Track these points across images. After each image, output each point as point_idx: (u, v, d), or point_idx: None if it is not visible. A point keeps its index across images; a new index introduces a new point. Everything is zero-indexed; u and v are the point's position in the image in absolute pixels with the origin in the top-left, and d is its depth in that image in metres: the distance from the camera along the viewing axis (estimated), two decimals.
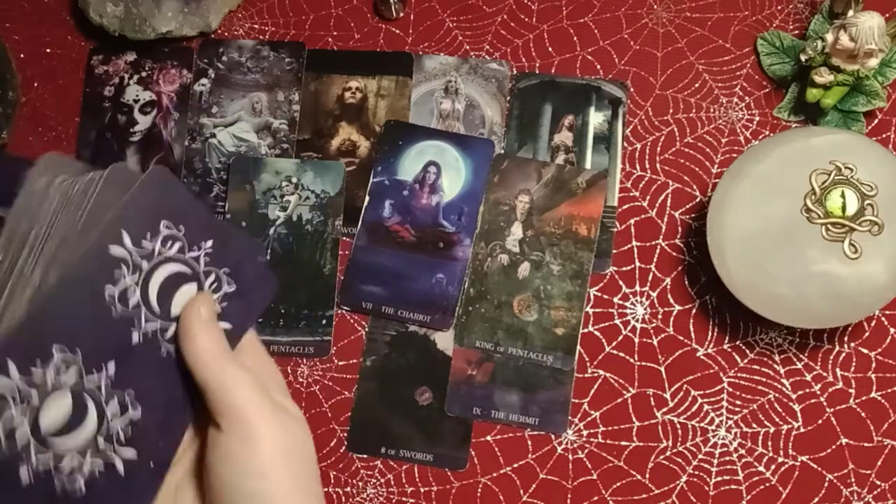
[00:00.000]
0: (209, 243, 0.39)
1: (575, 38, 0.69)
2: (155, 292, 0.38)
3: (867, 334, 0.62)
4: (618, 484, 0.61)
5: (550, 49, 0.69)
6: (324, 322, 0.65)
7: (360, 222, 0.66)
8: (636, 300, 0.64)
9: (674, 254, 0.64)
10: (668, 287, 0.64)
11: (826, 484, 0.60)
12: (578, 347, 0.63)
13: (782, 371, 0.62)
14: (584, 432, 0.62)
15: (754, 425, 0.61)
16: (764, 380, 0.62)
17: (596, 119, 0.67)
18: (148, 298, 0.38)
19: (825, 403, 0.61)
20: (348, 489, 0.63)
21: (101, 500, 0.37)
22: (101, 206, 0.37)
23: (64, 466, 0.36)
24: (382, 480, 0.63)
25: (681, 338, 0.63)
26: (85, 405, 0.36)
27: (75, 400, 0.36)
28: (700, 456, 0.61)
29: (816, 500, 0.60)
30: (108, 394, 0.37)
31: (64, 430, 0.36)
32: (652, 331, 0.63)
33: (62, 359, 0.36)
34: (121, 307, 0.37)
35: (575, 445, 0.62)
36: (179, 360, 0.39)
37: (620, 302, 0.64)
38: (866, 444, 0.60)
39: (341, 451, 0.63)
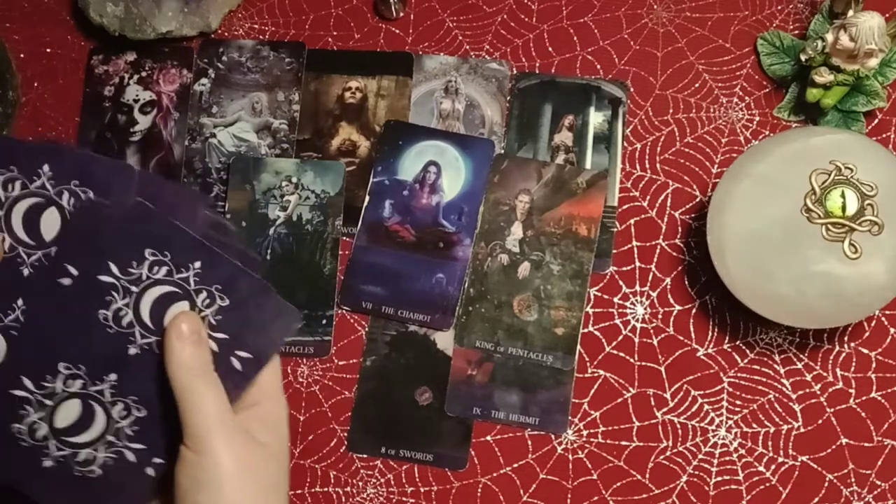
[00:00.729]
0: (197, 264, 0.42)
1: (575, 38, 0.69)
2: (147, 311, 0.42)
3: (867, 334, 0.62)
4: (618, 484, 0.61)
5: (550, 49, 0.69)
6: (324, 322, 0.65)
7: (360, 222, 0.66)
8: (636, 300, 0.64)
9: (674, 254, 0.64)
10: (668, 287, 0.64)
11: (826, 484, 0.60)
12: (578, 347, 0.63)
13: (782, 371, 0.62)
14: (584, 432, 0.62)
15: (754, 425, 0.61)
16: (764, 380, 0.62)
17: (596, 119, 0.67)
18: (140, 317, 0.42)
19: (825, 403, 0.61)
20: (348, 489, 0.63)
21: (115, 481, 0.42)
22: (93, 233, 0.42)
23: (80, 458, 0.42)
24: (382, 480, 0.63)
25: (681, 338, 0.63)
26: (93, 410, 0.42)
27: (84, 405, 0.42)
28: (700, 456, 0.61)
29: (816, 500, 0.60)
30: (112, 399, 0.42)
31: (77, 430, 0.42)
32: (652, 331, 0.63)
33: (69, 374, 0.41)
34: (116, 326, 0.41)
35: (575, 445, 0.62)
36: None
37: (620, 302, 0.64)
38: (866, 444, 0.60)
39: (341, 451, 0.63)
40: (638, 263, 0.64)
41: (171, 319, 0.41)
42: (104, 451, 0.42)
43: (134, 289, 0.41)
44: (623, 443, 0.62)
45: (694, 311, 0.63)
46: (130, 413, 0.42)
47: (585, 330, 0.63)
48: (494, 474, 0.62)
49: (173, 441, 0.41)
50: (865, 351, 0.61)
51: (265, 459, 0.42)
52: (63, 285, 0.41)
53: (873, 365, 0.61)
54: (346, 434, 0.63)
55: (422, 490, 0.62)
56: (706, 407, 0.62)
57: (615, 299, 0.64)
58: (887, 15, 0.59)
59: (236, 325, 0.43)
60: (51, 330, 0.41)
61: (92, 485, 0.42)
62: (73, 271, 0.41)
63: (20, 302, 0.42)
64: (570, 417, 0.62)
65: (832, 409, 0.61)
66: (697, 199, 0.65)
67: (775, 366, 0.62)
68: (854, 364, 0.61)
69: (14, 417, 0.42)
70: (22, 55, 0.74)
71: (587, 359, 0.63)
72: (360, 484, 0.63)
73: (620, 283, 0.64)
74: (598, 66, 0.68)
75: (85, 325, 0.41)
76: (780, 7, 0.68)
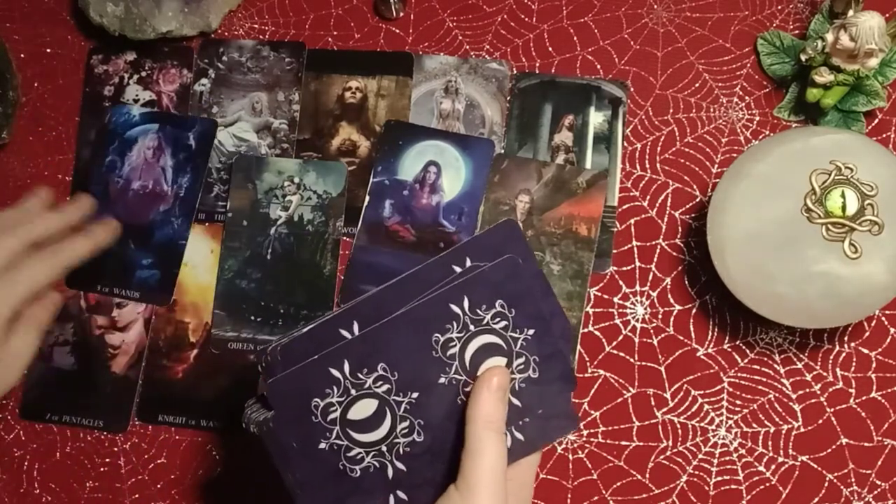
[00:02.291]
0: (532, 332, 0.46)
1: (575, 38, 0.69)
2: (471, 352, 0.45)
3: (867, 334, 0.62)
4: (618, 484, 0.61)
5: (550, 49, 0.69)
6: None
7: (360, 222, 0.66)
8: (636, 300, 0.64)
9: (674, 254, 0.64)
10: (668, 287, 0.64)
11: (826, 484, 0.60)
12: (578, 347, 0.63)
13: (782, 371, 0.62)
14: (584, 432, 0.62)
15: (754, 425, 0.61)
16: (764, 380, 0.62)
17: (596, 119, 0.67)
18: (464, 355, 0.45)
19: (825, 403, 0.61)
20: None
21: (368, 488, 0.44)
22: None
23: (351, 453, 0.44)
24: None
25: (681, 338, 0.63)
26: (384, 415, 0.44)
27: (379, 408, 0.44)
28: (700, 456, 0.61)
29: (816, 500, 0.60)
30: (404, 415, 0.44)
31: (361, 427, 0.44)
32: (652, 331, 0.63)
33: (381, 375, 0.44)
34: (440, 352, 0.44)
35: (575, 445, 0.62)
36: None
37: (620, 302, 0.64)
38: (866, 444, 0.60)
39: None
40: (638, 263, 0.64)
41: (488, 369, 0.44)
42: (372, 457, 0.44)
43: (472, 328, 0.45)
44: (623, 443, 0.62)
45: (694, 311, 0.63)
46: (412, 434, 0.44)
47: (585, 330, 0.64)
48: None
49: (430, 479, 0.44)
50: (865, 351, 0.61)
51: None
52: (417, 297, 0.44)
53: (873, 365, 0.61)
54: None
55: None
56: (706, 407, 0.62)
57: (615, 299, 0.64)
58: (887, 15, 0.59)
59: (534, 399, 0.46)
60: (388, 330, 0.43)
61: (345, 481, 0.44)
62: (432, 292, 0.44)
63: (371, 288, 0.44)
64: None
65: (832, 409, 0.61)
66: (697, 199, 0.65)
67: (775, 366, 0.62)
68: (854, 364, 0.61)
69: (318, 392, 0.43)
70: (22, 55, 0.74)
71: (587, 359, 0.63)
72: None
73: (620, 283, 0.64)
74: (598, 66, 0.68)
75: (417, 338, 0.44)
76: (780, 7, 0.68)
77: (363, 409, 0.44)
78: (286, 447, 0.43)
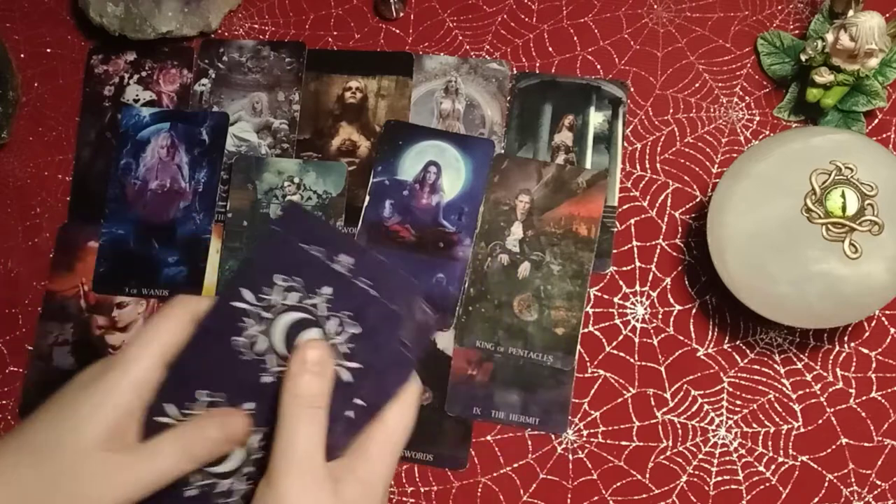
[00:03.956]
0: (329, 290, 0.41)
1: (575, 38, 0.69)
2: (281, 339, 0.41)
3: (867, 334, 0.62)
4: (618, 484, 0.61)
5: (550, 49, 0.69)
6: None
7: (360, 222, 0.66)
8: (636, 300, 0.64)
9: (674, 254, 0.64)
10: (668, 287, 0.64)
11: (826, 484, 0.60)
12: (578, 347, 0.63)
13: (782, 371, 0.62)
14: (584, 432, 0.62)
15: (754, 425, 0.61)
16: (764, 380, 0.62)
17: (596, 119, 0.67)
18: (273, 345, 0.41)
19: (825, 403, 0.61)
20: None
21: None
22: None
23: (218, 489, 0.40)
24: None
25: (681, 338, 0.63)
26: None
27: None
28: (700, 456, 0.61)
29: (816, 500, 0.60)
30: (254, 429, 0.41)
31: (217, 460, 0.40)
32: (652, 331, 0.63)
33: (209, 401, 0.41)
34: (250, 353, 0.41)
35: (575, 445, 0.62)
36: None
37: (620, 302, 0.64)
38: (866, 444, 0.60)
39: None
40: (638, 263, 0.64)
41: (299, 347, 0.40)
42: (244, 483, 0.41)
43: (268, 314, 0.41)
44: (623, 443, 0.62)
45: (694, 311, 0.63)
46: (267, 443, 0.40)
47: (585, 330, 0.63)
48: (494, 474, 0.62)
49: None
50: (865, 351, 0.61)
51: None
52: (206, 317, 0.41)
53: (873, 365, 0.61)
54: None
55: (422, 490, 0.62)
56: (706, 407, 0.62)
57: (615, 299, 0.64)
58: (887, 15, 0.59)
59: (368, 356, 0.41)
60: (189, 357, 0.41)
61: None
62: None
63: None
64: (570, 417, 0.62)
65: (832, 409, 0.61)
66: (697, 199, 0.65)
67: (775, 366, 0.62)
68: (854, 364, 0.61)
69: None
70: (22, 55, 0.74)
71: (587, 359, 0.63)
72: None
73: (620, 283, 0.64)
74: (599, 66, 0.68)
75: (220, 349, 0.41)
76: (780, 7, 0.68)
77: None
78: None
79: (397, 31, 0.71)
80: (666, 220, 0.65)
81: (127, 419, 0.39)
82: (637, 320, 0.63)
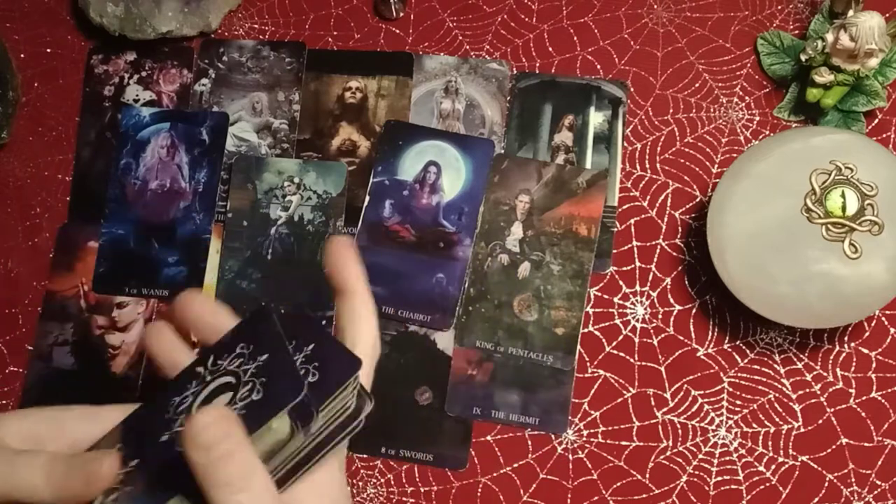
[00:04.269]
0: (264, 357, 0.39)
1: (575, 38, 0.69)
2: (200, 399, 0.38)
3: (867, 334, 0.62)
4: (618, 484, 0.61)
5: (550, 49, 0.69)
6: (324, 323, 0.65)
7: (360, 222, 0.66)
8: (636, 300, 0.64)
9: (674, 254, 0.64)
10: (668, 287, 0.64)
11: (826, 484, 0.60)
12: (578, 347, 0.63)
13: (782, 371, 0.62)
14: (584, 432, 0.62)
15: (754, 425, 0.61)
16: (764, 380, 0.62)
17: (596, 119, 0.67)
18: (191, 406, 0.38)
19: (825, 403, 0.61)
20: (348, 489, 0.63)
21: None
22: None
23: None
24: (382, 480, 0.63)
25: (681, 338, 0.63)
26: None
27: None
28: (700, 456, 0.61)
29: (816, 500, 0.60)
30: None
31: None
32: (652, 331, 0.63)
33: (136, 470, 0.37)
34: (171, 412, 0.38)
35: (575, 445, 0.62)
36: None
37: (620, 302, 0.64)
38: (866, 444, 0.60)
39: None
40: (638, 263, 0.64)
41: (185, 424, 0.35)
42: None
43: (208, 377, 0.39)
44: (623, 443, 0.62)
45: (694, 311, 0.63)
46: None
47: (585, 330, 0.63)
48: (494, 474, 0.62)
49: None
50: (865, 351, 0.61)
51: None
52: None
53: (873, 365, 0.61)
54: None
55: (422, 490, 0.62)
56: (706, 407, 0.62)
57: (615, 299, 0.64)
58: (887, 15, 0.59)
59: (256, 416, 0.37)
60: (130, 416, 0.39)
61: None
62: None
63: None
64: (570, 417, 0.62)
65: (832, 409, 0.61)
66: (697, 199, 0.65)
67: (775, 366, 0.62)
68: (854, 364, 0.61)
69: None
70: (22, 55, 0.74)
71: (587, 359, 0.63)
72: (361, 484, 0.63)
73: (620, 283, 0.64)
74: (598, 66, 0.68)
75: (158, 409, 0.39)
76: (780, 7, 0.68)
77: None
78: None
79: (397, 31, 0.71)
80: (666, 220, 0.65)
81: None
82: (637, 320, 0.63)
